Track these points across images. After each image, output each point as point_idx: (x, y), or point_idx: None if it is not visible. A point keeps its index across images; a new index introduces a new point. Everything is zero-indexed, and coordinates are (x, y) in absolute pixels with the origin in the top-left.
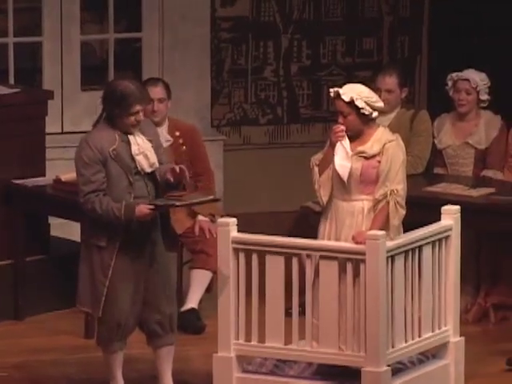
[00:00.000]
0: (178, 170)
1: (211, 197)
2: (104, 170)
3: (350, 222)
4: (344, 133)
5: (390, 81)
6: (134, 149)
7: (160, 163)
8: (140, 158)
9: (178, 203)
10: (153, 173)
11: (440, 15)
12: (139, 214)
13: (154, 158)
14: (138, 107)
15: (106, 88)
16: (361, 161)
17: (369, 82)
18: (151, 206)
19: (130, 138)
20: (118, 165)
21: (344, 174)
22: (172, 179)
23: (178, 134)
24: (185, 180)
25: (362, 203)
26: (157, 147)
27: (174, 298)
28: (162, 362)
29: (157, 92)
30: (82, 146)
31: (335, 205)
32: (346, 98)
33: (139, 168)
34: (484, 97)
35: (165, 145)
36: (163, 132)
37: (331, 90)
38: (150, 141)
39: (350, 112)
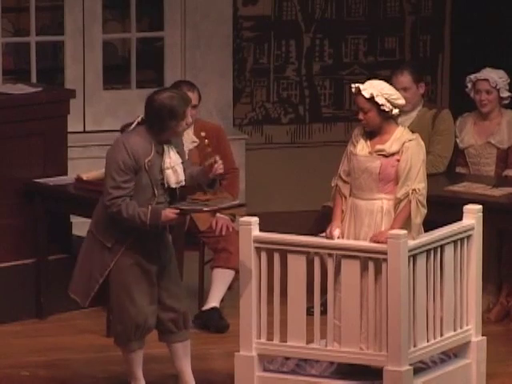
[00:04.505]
0: (216, 160)
1: (237, 202)
2: (135, 178)
3: (369, 221)
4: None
5: (403, 78)
6: (167, 162)
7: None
8: (169, 173)
9: (205, 208)
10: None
11: (462, 14)
12: (165, 219)
13: (182, 176)
14: (187, 111)
15: (150, 105)
16: (380, 159)
17: (391, 81)
18: (177, 211)
19: (165, 149)
20: (148, 176)
21: None
22: (211, 175)
23: (203, 134)
24: (220, 176)
25: (380, 202)
26: (181, 156)
27: (184, 295)
28: (180, 358)
29: (194, 98)
30: (119, 147)
31: (354, 204)
32: (367, 95)
33: (165, 181)
34: (505, 94)
35: (191, 146)
36: (189, 133)
37: (353, 85)
38: (178, 153)
39: (371, 108)
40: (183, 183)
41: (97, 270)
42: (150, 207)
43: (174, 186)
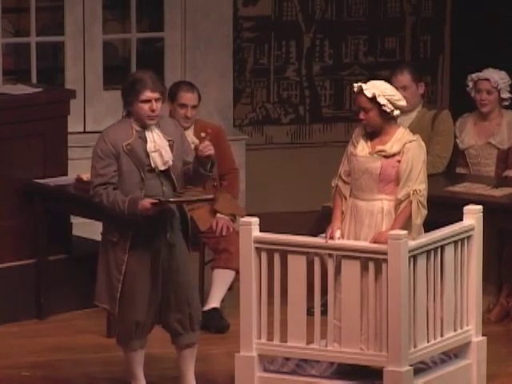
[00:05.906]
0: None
1: (210, 196)
2: (116, 164)
3: (370, 222)
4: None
5: (402, 78)
6: (150, 146)
7: (188, 162)
8: (155, 155)
9: (172, 199)
10: (168, 172)
11: (462, 14)
12: (142, 208)
13: (168, 156)
14: (148, 94)
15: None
16: (380, 160)
17: (390, 80)
18: (154, 201)
19: (147, 134)
20: (130, 160)
21: None
22: (202, 156)
23: (203, 135)
24: (213, 156)
25: (381, 203)
26: (181, 146)
27: (195, 298)
28: (185, 361)
29: (193, 99)
30: (98, 139)
31: (354, 204)
32: (369, 94)
33: (153, 165)
34: (505, 95)
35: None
36: (190, 134)
37: (355, 84)
38: (170, 140)
39: (372, 108)
40: (170, 163)
41: (114, 268)
42: (129, 196)
43: (161, 168)
